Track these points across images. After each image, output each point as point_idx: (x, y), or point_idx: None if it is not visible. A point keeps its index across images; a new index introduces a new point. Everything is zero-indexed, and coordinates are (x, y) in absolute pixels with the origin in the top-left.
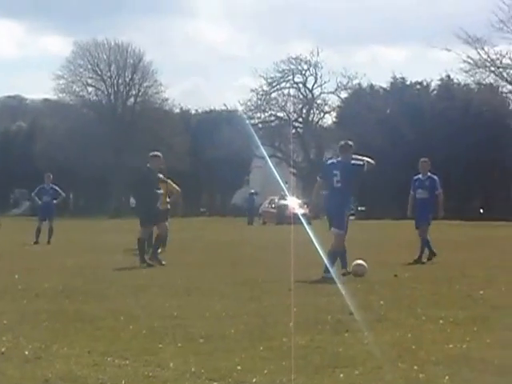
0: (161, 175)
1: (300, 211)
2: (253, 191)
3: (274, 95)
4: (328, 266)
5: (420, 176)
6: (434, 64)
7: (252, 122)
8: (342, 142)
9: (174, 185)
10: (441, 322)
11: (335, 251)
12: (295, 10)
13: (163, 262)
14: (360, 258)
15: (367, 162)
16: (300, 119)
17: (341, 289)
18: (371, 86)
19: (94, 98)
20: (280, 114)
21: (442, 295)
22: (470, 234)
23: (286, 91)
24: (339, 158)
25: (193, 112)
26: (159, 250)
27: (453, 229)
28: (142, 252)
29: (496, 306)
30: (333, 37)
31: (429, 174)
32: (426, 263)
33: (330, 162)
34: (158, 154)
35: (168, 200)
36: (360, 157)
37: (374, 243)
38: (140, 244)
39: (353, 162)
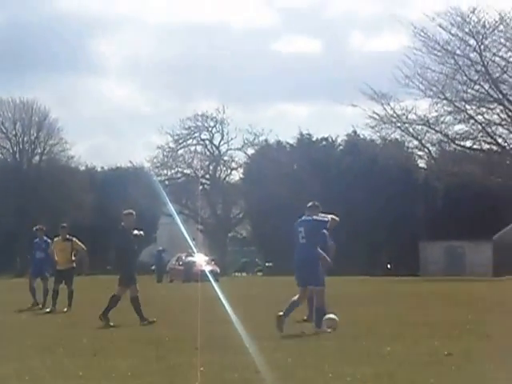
0: (136, 231)
1: (207, 268)
2: (161, 248)
3: (180, 152)
4: (317, 321)
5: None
6: (340, 120)
7: (159, 178)
8: (310, 203)
9: (79, 243)
10: (348, 379)
11: (321, 307)
12: (200, 67)
13: (111, 323)
14: (331, 312)
15: (332, 218)
16: (207, 176)
17: (248, 346)
18: (278, 143)
19: None
20: (187, 171)
21: (349, 352)
22: (376, 289)
23: (192, 148)
24: (305, 217)
25: (99, 169)
26: (65, 309)
27: (359, 284)
28: (139, 310)
29: (403, 362)
30: (238, 94)
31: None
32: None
33: (295, 223)
34: (132, 211)
35: (73, 258)
36: (324, 215)
37: (281, 300)
38: (135, 303)
39: (316, 217)
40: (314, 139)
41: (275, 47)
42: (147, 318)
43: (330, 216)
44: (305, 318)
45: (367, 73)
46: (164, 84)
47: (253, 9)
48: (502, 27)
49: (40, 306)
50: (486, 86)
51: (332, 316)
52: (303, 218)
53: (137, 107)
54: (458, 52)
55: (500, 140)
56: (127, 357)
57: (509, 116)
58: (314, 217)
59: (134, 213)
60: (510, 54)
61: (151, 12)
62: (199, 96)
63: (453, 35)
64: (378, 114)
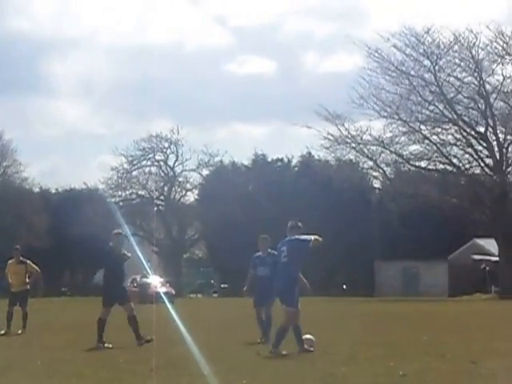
0: (125, 252)
1: (162, 290)
2: None
3: (135, 173)
4: (276, 341)
5: (260, 253)
6: (295, 141)
7: (113, 200)
8: (292, 223)
9: (33, 265)
10: None
11: (285, 328)
12: (154, 87)
13: (149, 337)
14: (308, 333)
15: (315, 239)
16: (162, 197)
17: (202, 368)
18: (233, 163)
19: None
20: (141, 192)
21: (305, 373)
22: (332, 309)
23: (147, 169)
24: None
25: (53, 191)
26: (19, 331)
27: (315, 304)
28: (101, 332)
29: (358, 383)
30: (193, 114)
31: (269, 250)
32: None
33: (281, 242)
34: (120, 231)
35: (28, 281)
36: (306, 235)
37: (234, 321)
38: (100, 324)
39: (300, 237)
40: (269, 160)
41: (229, 68)
42: (104, 342)
43: (313, 236)
44: (259, 340)
45: (322, 93)
46: (118, 105)
47: (206, 29)
48: (456, 47)
49: None
50: (441, 107)
51: (309, 336)
52: (287, 238)
53: (91, 128)
54: (412, 72)
55: (455, 160)
56: (82, 379)
57: (463, 136)
58: (297, 236)
59: (123, 232)
60: (464, 74)
61: (104, 33)
62: (153, 117)
63: (407, 56)
64: (332, 135)
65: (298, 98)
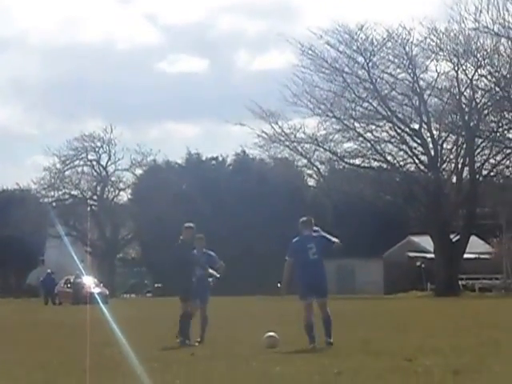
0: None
1: (96, 290)
2: (49, 271)
3: (67, 173)
4: (328, 332)
5: (195, 252)
6: (230, 139)
7: (46, 200)
8: (305, 218)
9: None
10: None
11: (330, 317)
12: (86, 87)
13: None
14: (271, 330)
15: (336, 241)
16: (95, 197)
17: (136, 368)
18: (167, 162)
19: None
20: (74, 192)
21: (239, 372)
22: (267, 308)
23: (79, 169)
24: (307, 233)
25: None
26: None
27: (251, 303)
28: (187, 328)
29: (291, 382)
30: (126, 114)
31: (204, 250)
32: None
33: (297, 239)
34: (191, 225)
35: None
36: (323, 233)
37: (168, 321)
38: (184, 319)
39: (327, 236)
40: (203, 159)
41: (161, 66)
42: (190, 340)
43: (334, 239)
44: (198, 339)
45: (255, 91)
46: (50, 105)
47: (136, 28)
48: (390, 44)
49: None
50: (375, 104)
51: (273, 334)
52: (307, 233)
53: (23, 129)
54: (346, 69)
55: (389, 157)
56: (14, 381)
57: (398, 133)
58: (324, 234)
59: (194, 226)
60: (398, 70)
61: (34, 33)
62: (86, 116)
63: (341, 53)
64: (266, 133)
65: (230, 96)
